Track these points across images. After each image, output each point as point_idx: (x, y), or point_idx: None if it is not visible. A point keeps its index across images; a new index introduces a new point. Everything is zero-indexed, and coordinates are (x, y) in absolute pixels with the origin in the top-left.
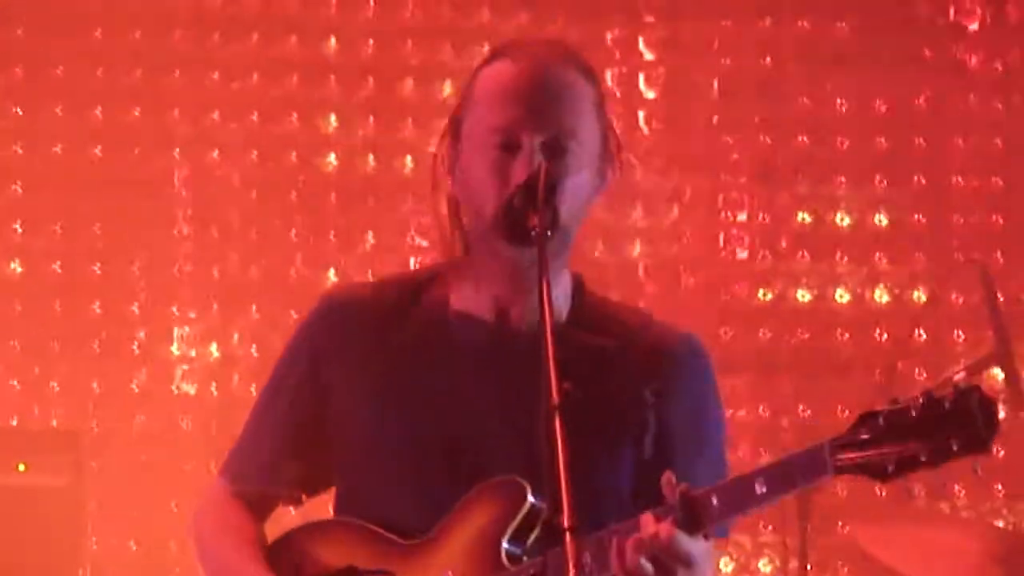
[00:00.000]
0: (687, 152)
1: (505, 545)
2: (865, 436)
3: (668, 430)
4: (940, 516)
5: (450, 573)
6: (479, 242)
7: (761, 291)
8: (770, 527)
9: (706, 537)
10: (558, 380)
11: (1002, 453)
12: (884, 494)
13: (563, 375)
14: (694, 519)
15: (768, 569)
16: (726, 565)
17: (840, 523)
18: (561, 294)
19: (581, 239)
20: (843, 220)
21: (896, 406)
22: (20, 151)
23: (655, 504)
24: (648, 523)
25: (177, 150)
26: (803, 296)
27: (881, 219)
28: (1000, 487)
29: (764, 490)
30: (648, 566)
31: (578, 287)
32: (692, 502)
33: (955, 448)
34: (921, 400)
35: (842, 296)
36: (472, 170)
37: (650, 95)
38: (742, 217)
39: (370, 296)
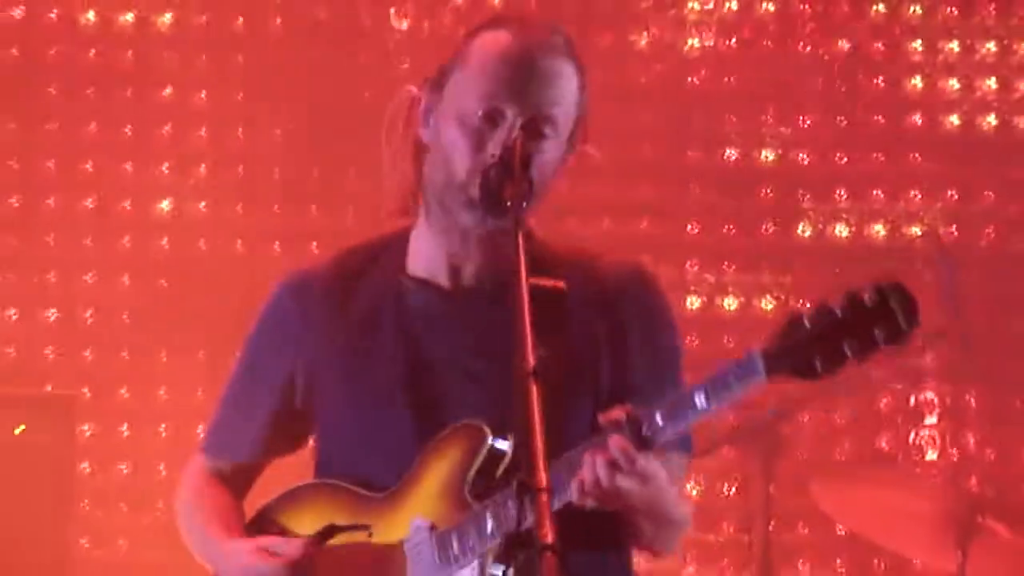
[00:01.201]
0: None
1: (469, 482)
2: (793, 339)
3: (624, 364)
4: (896, 478)
5: (419, 517)
6: (440, 199)
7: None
8: (734, 488)
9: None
10: (534, 345)
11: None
12: (844, 457)
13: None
14: (641, 437)
15: (731, 530)
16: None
17: (802, 484)
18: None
19: None
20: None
21: (820, 307)
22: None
23: None
24: (600, 440)
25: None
26: (730, 305)
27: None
28: None
29: (704, 401)
30: (607, 483)
31: (527, 236)
32: (637, 420)
33: (879, 340)
34: (844, 299)
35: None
36: (449, 129)
37: None
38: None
39: (327, 270)
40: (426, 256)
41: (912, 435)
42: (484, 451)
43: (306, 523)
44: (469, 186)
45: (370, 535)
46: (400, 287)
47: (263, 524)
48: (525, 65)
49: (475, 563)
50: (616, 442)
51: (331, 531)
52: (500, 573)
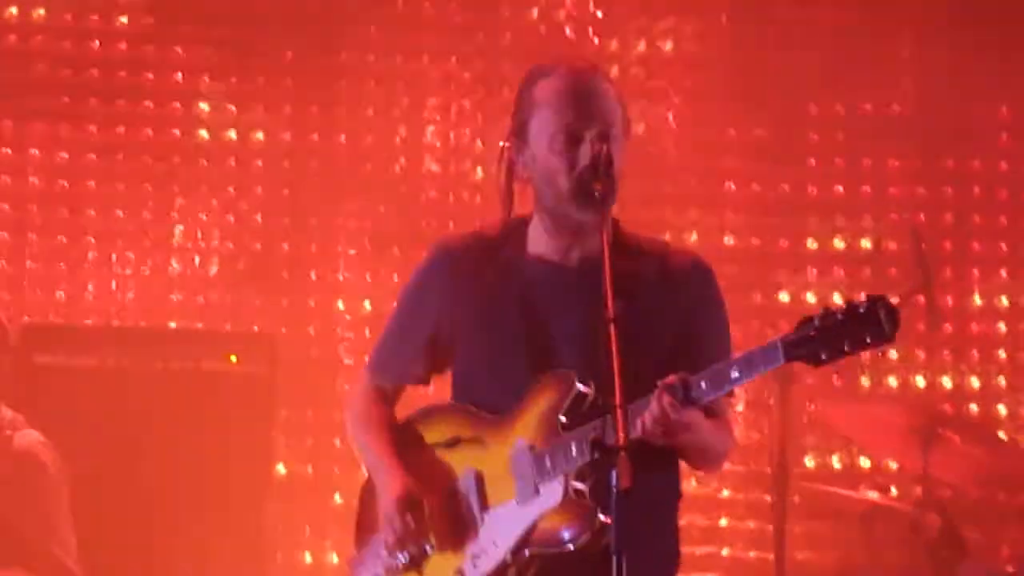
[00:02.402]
0: None
1: (561, 419)
2: (805, 334)
3: (687, 334)
4: (878, 396)
5: (522, 439)
6: (553, 208)
7: None
8: (758, 406)
9: (706, 410)
10: (614, 301)
11: None
12: (839, 383)
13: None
14: (690, 397)
15: (757, 436)
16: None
17: (808, 403)
18: (605, 235)
19: None
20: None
21: (827, 311)
22: None
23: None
24: (657, 394)
25: None
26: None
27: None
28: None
29: (737, 375)
30: (659, 428)
31: (615, 226)
32: (687, 384)
33: (868, 340)
34: (844, 306)
35: None
36: (546, 159)
37: None
38: None
39: (467, 243)
40: (543, 243)
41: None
42: (572, 393)
43: (437, 433)
44: (573, 191)
45: (484, 446)
46: (523, 263)
47: (406, 431)
48: (582, 93)
49: (561, 477)
50: (666, 399)
51: (456, 440)
52: (582, 486)
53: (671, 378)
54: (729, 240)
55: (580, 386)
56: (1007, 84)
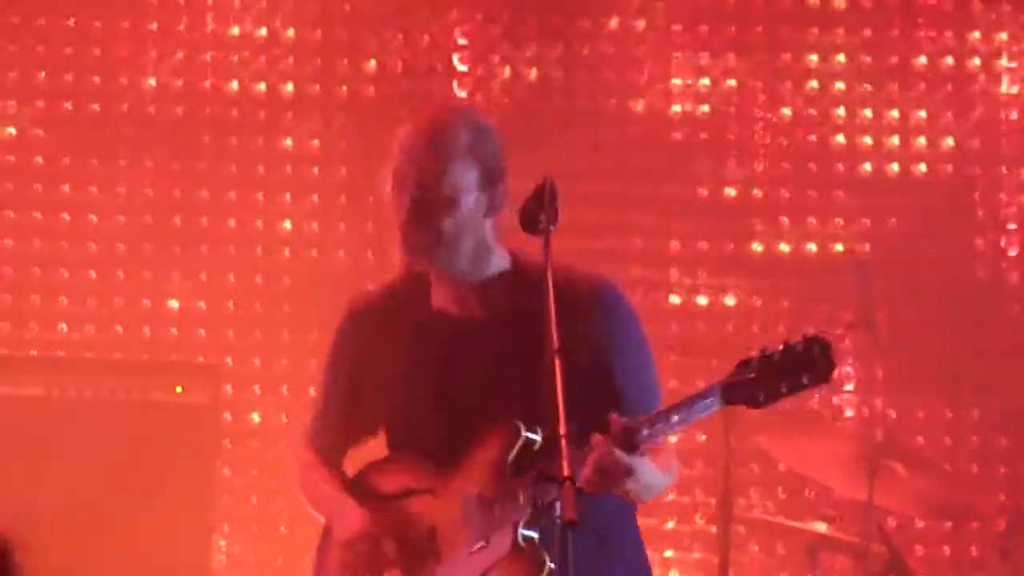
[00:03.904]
0: None
1: (509, 464)
2: (742, 376)
3: (602, 364)
4: (824, 427)
5: (471, 489)
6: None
7: None
8: (703, 436)
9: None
10: (557, 332)
11: None
12: (786, 413)
13: (519, 330)
14: (631, 443)
15: (701, 467)
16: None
17: (753, 433)
18: (495, 270)
19: None
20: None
21: (763, 353)
22: None
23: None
24: (598, 443)
25: None
26: (701, 301)
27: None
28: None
29: (677, 419)
30: (601, 479)
31: (514, 256)
32: (629, 432)
33: (805, 382)
34: (781, 348)
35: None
36: (391, 205)
37: None
38: None
39: (376, 303)
40: (443, 294)
41: (835, 399)
42: (520, 441)
43: (391, 484)
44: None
45: (436, 496)
46: (428, 320)
47: (361, 483)
48: (414, 141)
49: (510, 526)
50: (607, 449)
51: (409, 492)
52: (531, 533)
53: (614, 423)
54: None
55: (527, 433)
56: None
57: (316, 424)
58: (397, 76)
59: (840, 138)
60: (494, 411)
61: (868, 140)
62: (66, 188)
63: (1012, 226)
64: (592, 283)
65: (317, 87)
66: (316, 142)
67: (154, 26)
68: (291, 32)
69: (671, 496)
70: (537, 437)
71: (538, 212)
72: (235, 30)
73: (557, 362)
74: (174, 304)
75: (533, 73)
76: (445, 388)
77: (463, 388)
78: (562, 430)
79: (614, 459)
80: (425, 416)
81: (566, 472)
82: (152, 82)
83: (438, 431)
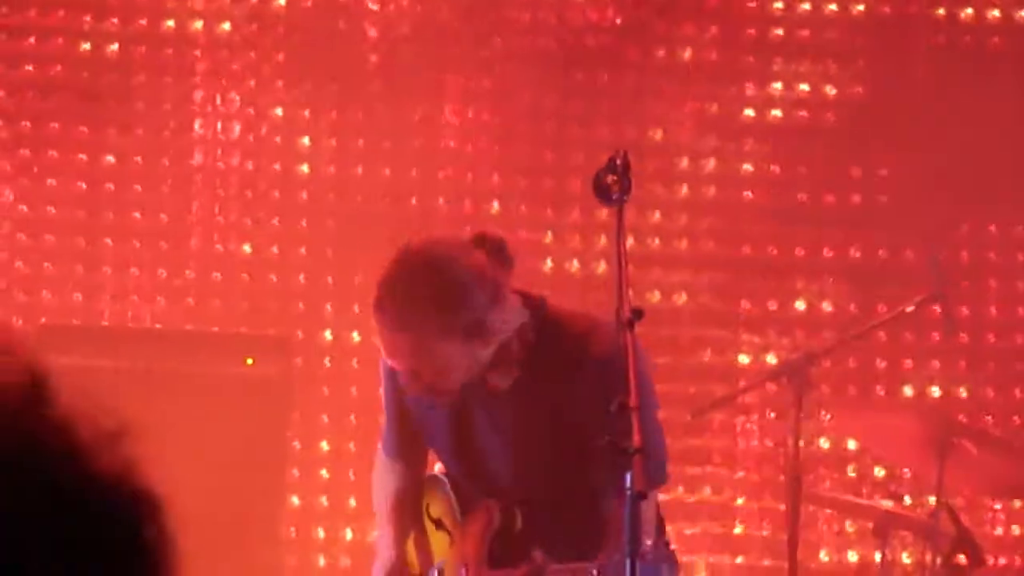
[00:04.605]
0: None
1: (486, 549)
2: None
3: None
4: (892, 405)
5: (462, 559)
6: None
7: None
8: (773, 414)
9: None
10: (628, 304)
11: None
12: (854, 392)
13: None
14: None
15: (771, 444)
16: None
17: (823, 411)
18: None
19: None
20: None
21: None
22: None
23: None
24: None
25: None
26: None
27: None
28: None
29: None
30: None
31: (541, 307)
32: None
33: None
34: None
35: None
36: None
37: None
38: None
39: None
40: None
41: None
42: (494, 527)
43: (434, 508)
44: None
45: (452, 543)
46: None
47: (417, 495)
48: (389, 345)
49: None
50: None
51: (440, 524)
52: None
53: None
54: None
55: (498, 516)
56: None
57: (385, 435)
58: None
59: None
60: (495, 480)
61: None
62: (138, 159)
63: None
64: (612, 340)
65: None
66: None
67: None
68: None
69: (740, 474)
70: (515, 520)
71: (611, 183)
72: None
73: (628, 336)
74: (245, 276)
75: None
76: (457, 447)
77: (473, 450)
78: (633, 402)
79: None
80: (443, 460)
81: (637, 443)
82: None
83: (455, 480)
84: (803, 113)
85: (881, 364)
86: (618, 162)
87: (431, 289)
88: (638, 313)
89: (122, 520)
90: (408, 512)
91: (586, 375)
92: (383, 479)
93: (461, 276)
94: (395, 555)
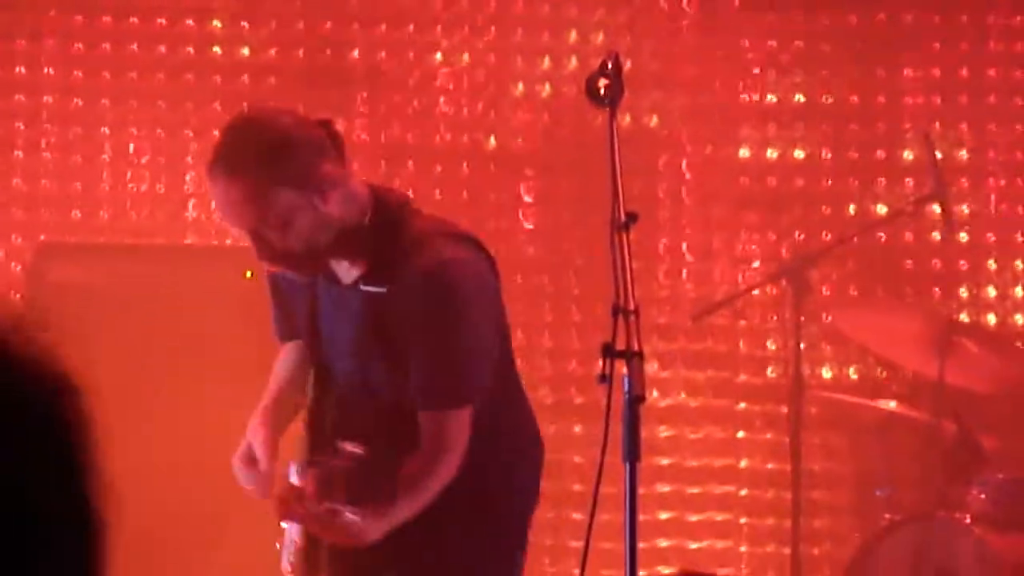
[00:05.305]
0: None
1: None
2: None
3: (410, 346)
4: (895, 304)
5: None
6: None
7: None
8: (775, 317)
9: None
10: (622, 207)
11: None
12: (855, 293)
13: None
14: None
15: (773, 347)
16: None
17: (824, 313)
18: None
19: None
20: None
21: None
22: None
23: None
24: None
25: None
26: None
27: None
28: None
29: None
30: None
31: (397, 224)
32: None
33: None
34: None
35: None
36: None
37: None
38: None
39: None
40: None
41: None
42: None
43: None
44: None
45: None
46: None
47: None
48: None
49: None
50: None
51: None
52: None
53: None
54: (772, 154)
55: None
56: None
57: (272, 317)
58: None
59: None
60: (336, 377)
61: None
62: (133, 75)
63: None
64: (424, 269)
65: None
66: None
67: None
68: None
69: (743, 377)
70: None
71: (602, 85)
72: None
73: (623, 237)
74: None
75: None
76: (311, 343)
77: (322, 348)
78: (631, 305)
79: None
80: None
81: (636, 347)
82: None
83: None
84: None
85: (880, 266)
86: (610, 65)
87: (255, 136)
88: (633, 216)
89: (35, 403)
90: (296, 381)
91: (407, 290)
92: (280, 360)
93: (286, 126)
94: (269, 404)
